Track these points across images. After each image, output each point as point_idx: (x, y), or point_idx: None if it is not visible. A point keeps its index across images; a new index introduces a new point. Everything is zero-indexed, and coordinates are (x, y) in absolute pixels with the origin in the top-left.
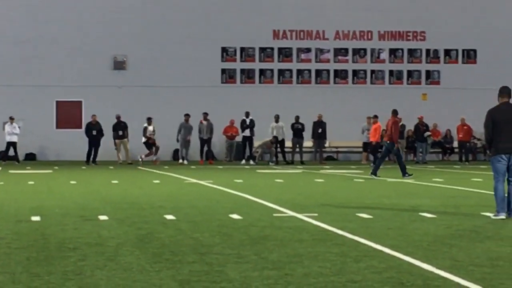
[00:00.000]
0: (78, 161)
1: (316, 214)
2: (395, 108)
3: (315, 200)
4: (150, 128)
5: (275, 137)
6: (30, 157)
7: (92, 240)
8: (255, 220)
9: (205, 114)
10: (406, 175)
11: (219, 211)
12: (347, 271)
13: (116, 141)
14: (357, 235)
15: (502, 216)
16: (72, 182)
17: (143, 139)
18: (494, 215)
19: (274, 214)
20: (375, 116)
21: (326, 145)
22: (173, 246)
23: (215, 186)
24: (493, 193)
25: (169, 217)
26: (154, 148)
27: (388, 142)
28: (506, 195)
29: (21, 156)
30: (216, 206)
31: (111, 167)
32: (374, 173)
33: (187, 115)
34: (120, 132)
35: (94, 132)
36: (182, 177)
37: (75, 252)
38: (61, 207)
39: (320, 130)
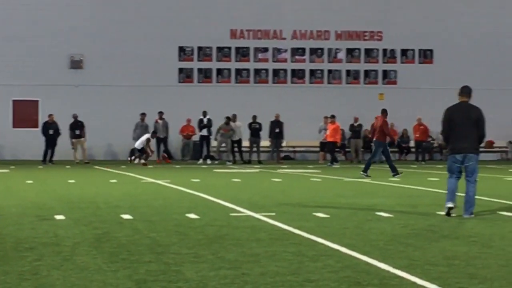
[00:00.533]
0: (35, 160)
1: (273, 214)
2: (385, 108)
3: (272, 199)
4: (153, 141)
5: (228, 117)
6: None
7: (49, 240)
8: (212, 220)
9: (161, 113)
10: (365, 174)
11: (176, 211)
12: (304, 271)
13: (73, 140)
14: (314, 234)
15: (449, 204)
16: (28, 181)
17: (139, 146)
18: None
19: (231, 214)
20: (333, 116)
21: (283, 144)
22: (130, 246)
23: (172, 186)
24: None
25: (126, 216)
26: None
27: (375, 140)
28: (465, 194)
29: None
30: (173, 205)
31: (68, 167)
32: (394, 172)
33: (142, 114)
34: (77, 132)
35: (51, 132)
36: (139, 176)
37: (32, 252)
38: (17, 207)
39: (277, 130)
